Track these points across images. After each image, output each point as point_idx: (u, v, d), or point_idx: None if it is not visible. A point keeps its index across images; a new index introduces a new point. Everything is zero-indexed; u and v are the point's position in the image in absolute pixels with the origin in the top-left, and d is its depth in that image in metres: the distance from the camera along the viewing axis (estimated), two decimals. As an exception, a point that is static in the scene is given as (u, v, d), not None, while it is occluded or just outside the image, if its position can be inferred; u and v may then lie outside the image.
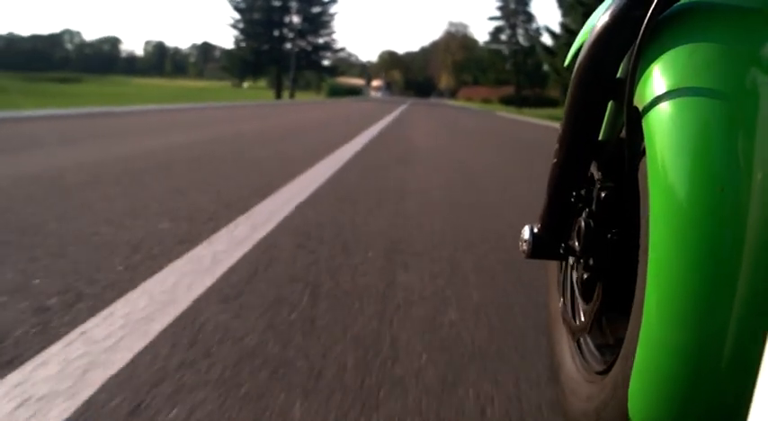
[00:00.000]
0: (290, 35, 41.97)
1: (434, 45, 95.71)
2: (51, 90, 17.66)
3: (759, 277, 0.50)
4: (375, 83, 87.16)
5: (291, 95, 35.86)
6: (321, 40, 43.58)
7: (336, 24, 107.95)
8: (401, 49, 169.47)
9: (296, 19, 42.08)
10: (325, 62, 46.09)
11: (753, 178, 0.51)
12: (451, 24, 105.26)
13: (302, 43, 42.54)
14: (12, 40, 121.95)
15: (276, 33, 41.00)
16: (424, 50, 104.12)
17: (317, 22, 42.89)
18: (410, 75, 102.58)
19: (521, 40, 46.69)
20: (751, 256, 0.50)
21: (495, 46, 49.55)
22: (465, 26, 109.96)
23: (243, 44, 41.08)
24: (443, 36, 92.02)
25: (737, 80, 0.56)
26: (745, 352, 0.50)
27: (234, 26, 41.50)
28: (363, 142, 5.90)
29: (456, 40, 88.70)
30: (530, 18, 47.37)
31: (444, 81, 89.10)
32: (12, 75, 32.10)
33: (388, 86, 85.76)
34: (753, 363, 0.47)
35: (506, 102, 43.82)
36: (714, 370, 0.51)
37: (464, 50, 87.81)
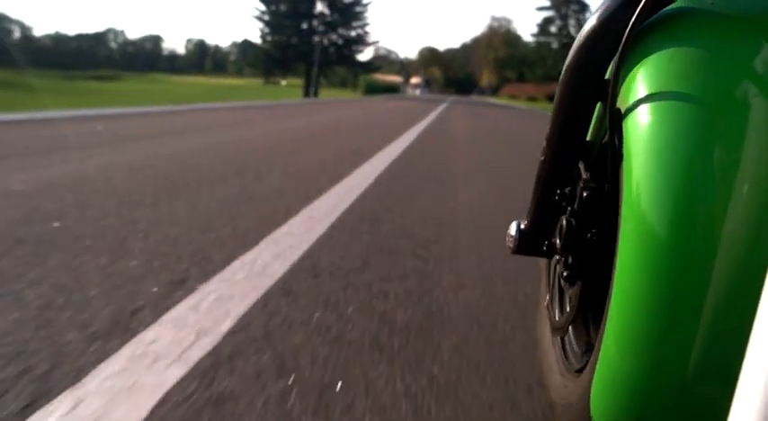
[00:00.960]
0: (321, 28, 37.76)
1: (476, 41, 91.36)
2: (81, 88, 17.69)
3: (726, 282, 0.50)
4: (414, 80, 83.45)
5: (315, 93, 32.16)
6: (353, 33, 39.05)
7: (370, 15, 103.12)
8: (441, 45, 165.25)
9: (326, 10, 37.94)
10: (359, 57, 42.08)
11: (726, 185, 0.51)
12: (494, 19, 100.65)
13: (333, 36, 38.34)
14: (58, 39, 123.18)
15: (305, 26, 36.75)
16: (464, 47, 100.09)
17: (349, 13, 38.55)
18: (450, 72, 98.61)
19: (572, 31, 42.16)
20: (720, 262, 0.50)
21: (543, 38, 45.15)
22: (509, 21, 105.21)
23: (269, 38, 37.30)
24: (485, 31, 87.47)
25: (717, 87, 0.56)
26: (709, 358, 0.51)
27: (259, 18, 37.61)
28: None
29: (499, 36, 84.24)
30: (583, 8, 42.91)
31: (486, 78, 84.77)
32: (52, 73, 31.85)
33: (427, 83, 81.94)
34: (716, 370, 0.50)
35: (556, 100, 39.48)
36: (676, 375, 0.52)
37: (507, 46, 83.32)
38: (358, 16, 39.06)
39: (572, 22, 41.14)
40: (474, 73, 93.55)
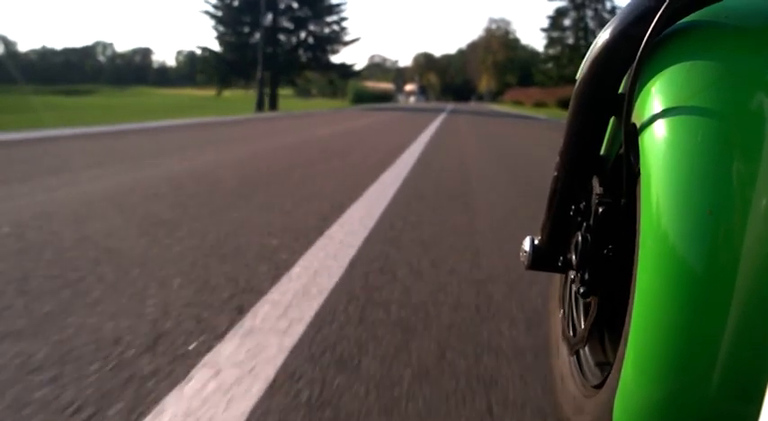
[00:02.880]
0: (287, 24, 30.09)
1: (473, 46, 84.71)
2: (37, 104, 15.68)
3: (750, 298, 0.50)
4: (409, 87, 76.83)
5: (272, 105, 25.13)
6: (327, 30, 30.85)
7: (349, 10, 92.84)
8: (437, 51, 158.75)
9: (293, 2, 29.91)
10: (338, 58, 34.35)
11: (744, 202, 0.51)
12: (492, 21, 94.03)
13: (302, 34, 30.41)
14: (44, 53, 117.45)
15: (267, 22, 27.68)
16: (461, 52, 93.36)
17: (321, 6, 30.25)
18: (447, 78, 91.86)
19: (590, 23, 35.35)
20: (742, 278, 0.50)
21: (556, 33, 38.50)
22: (507, 22, 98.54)
23: (225, 39, 29.08)
24: (483, 34, 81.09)
25: (735, 101, 0.56)
26: (734, 376, 0.50)
27: (211, 14, 28.90)
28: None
29: (497, 39, 77.61)
30: (601, -4, 36.04)
31: (485, 83, 78.04)
32: (26, 88, 30.91)
33: (423, 91, 75.48)
34: (742, 388, 0.49)
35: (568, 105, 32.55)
36: (700, 395, 0.51)
37: (507, 49, 76.57)
38: (333, 10, 30.82)
39: (589, 12, 34.92)
40: (472, 79, 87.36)
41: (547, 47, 40.25)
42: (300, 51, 30.28)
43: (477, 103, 64.21)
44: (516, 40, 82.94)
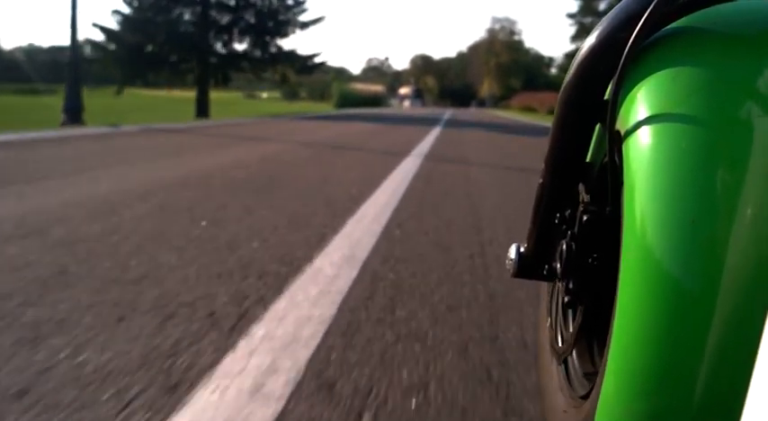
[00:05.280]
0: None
1: (474, 48, 77.01)
2: None
3: (731, 308, 0.49)
4: (403, 90, 69.09)
5: (201, 110, 16.78)
6: (279, 11, 19.89)
7: (343, 7, 78.32)
8: (437, 54, 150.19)
9: None
10: (290, 46, 22.84)
11: (728, 211, 0.50)
12: (496, 20, 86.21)
13: (243, 15, 19.58)
14: (31, 51, 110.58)
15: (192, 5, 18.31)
16: (461, 55, 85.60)
17: None
18: (446, 82, 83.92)
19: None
20: (724, 287, 0.49)
21: (589, 18, 30.66)
22: (512, 22, 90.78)
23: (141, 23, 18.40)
24: (485, 35, 73.47)
25: (720, 108, 0.55)
26: (714, 390, 0.49)
27: None
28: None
29: (501, 40, 69.79)
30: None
31: (487, 87, 70.11)
32: None
33: (419, 94, 67.83)
34: (722, 402, 0.48)
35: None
36: (680, 409, 0.50)
37: (511, 51, 68.76)
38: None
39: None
40: (472, 83, 79.73)
41: (574, 38, 32.45)
42: (235, 34, 19.52)
43: (477, 108, 56.66)
44: (520, 42, 75.59)
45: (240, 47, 19.60)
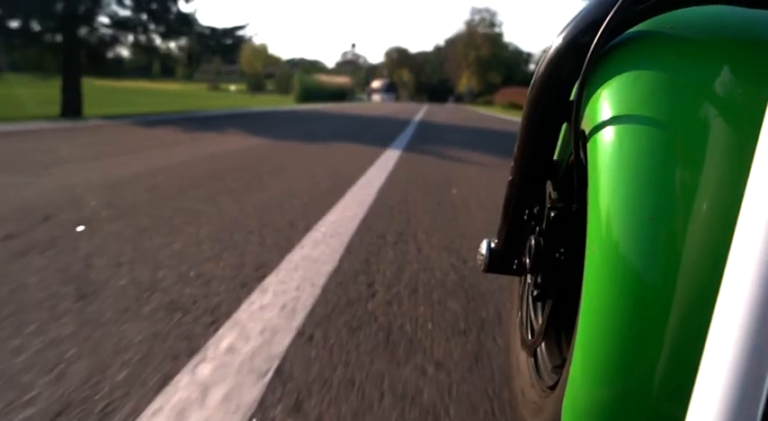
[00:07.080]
0: None
1: (451, 42, 71.51)
2: None
3: (687, 298, 0.51)
4: (375, 84, 63.40)
5: (69, 105, 10.37)
6: None
7: None
8: (413, 48, 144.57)
9: None
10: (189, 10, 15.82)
11: (685, 208, 0.52)
12: (475, 11, 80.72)
13: None
14: None
15: None
16: (438, 49, 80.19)
17: None
18: (423, 76, 78.55)
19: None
20: (681, 279, 0.51)
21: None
22: (492, 13, 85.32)
23: None
24: (464, 28, 68.21)
25: (678, 109, 0.57)
26: (675, 376, 0.51)
27: None
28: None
29: (480, 32, 64.54)
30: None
31: (465, 81, 64.78)
32: None
33: (391, 88, 62.54)
34: (684, 388, 0.49)
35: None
36: (643, 395, 0.52)
37: (491, 44, 63.62)
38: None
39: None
40: (450, 78, 74.42)
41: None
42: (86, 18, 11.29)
43: (455, 103, 51.62)
44: (500, 35, 70.58)
45: (123, 12, 11.47)
